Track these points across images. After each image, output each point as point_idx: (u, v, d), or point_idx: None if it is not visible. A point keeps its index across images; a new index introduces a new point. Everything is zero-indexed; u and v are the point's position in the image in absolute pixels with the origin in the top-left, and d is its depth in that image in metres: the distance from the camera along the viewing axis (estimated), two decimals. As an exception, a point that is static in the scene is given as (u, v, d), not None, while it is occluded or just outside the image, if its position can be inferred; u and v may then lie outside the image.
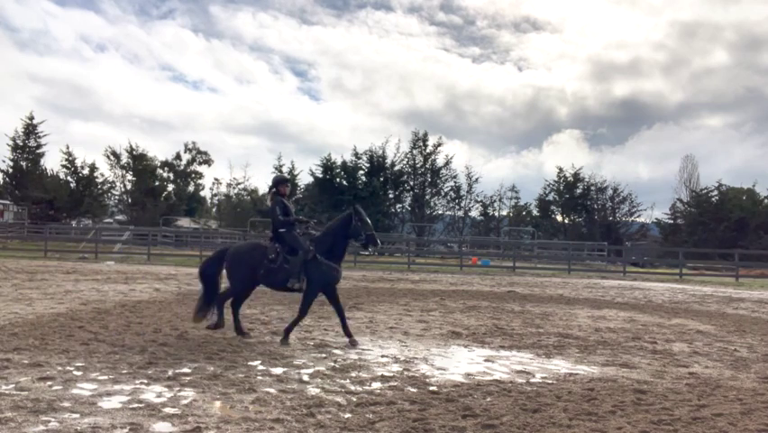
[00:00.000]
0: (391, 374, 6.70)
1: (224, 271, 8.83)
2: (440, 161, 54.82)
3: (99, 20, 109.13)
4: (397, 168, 53.96)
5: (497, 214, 56.14)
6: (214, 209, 65.87)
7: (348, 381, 6.34)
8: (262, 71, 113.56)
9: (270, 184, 9.15)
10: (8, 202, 48.70)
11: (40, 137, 51.11)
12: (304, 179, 54.96)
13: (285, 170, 54.81)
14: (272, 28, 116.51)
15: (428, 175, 54.98)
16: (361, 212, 8.74)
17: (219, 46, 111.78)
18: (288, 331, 8.52)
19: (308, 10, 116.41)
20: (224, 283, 8.93)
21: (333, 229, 8.77)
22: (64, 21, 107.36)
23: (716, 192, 50.89)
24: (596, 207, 54.14)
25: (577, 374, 7.09)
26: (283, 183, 9.06)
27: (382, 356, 7.73)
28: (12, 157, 50.35)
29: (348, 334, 8.60)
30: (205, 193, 65.74)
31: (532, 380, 6.73)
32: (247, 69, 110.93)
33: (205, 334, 8.69)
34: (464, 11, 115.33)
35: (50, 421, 4.62)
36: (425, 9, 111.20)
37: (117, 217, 56.79)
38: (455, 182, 55.15)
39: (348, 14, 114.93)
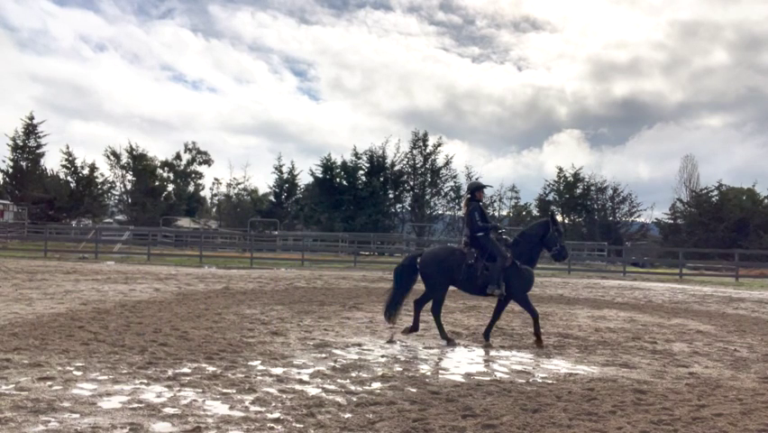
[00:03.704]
0: (391, 374, 6.70)
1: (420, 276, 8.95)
2: (440, 161, 54.85)
3: (98, 20, 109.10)
4: (397, 168, 53.94)
5: (497, 214, 56.10)
6: (214, 209, 65.83)
7: (348, 381, 6.34)
8: (262, 71, 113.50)
9: (466, 190, 9.56)
10: (8, 202, 48.65)
11: (40, 137, 51.06)
12: (304, 179, 55.07)
13: (285, 169, 54.92)
14: (271, 28, 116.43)
15: (428, 175, 54.95)
16: (557, 221, 9.03)
17: (218, 46, 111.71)
18: (538, 335, 8.76)
19: (307, 9, 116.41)
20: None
21: (528, 235, 8.99)
22: (63, 20, 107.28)
23: (716, 192, 50.88)
24: (596, 207, 54.09)
25: (577, 374, 7.09)
26: (479, 189, 9.38)
27: (382, 356, 7.73)
28: (12, 157, 50.32)
29: (485, 336, 9.01)
30: (205, 193, 65.71)
31: (532, 380, 6.74)
32: (246, 69, 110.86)
33: (205, 334, 8.69)
34: (464, 10, 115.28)
35: (50, 421, 4.62)
36: (424, 9, 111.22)
37: (117, 217, 56.81)
38: (455, 182, 55.16)
39: (347, 14, 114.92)
